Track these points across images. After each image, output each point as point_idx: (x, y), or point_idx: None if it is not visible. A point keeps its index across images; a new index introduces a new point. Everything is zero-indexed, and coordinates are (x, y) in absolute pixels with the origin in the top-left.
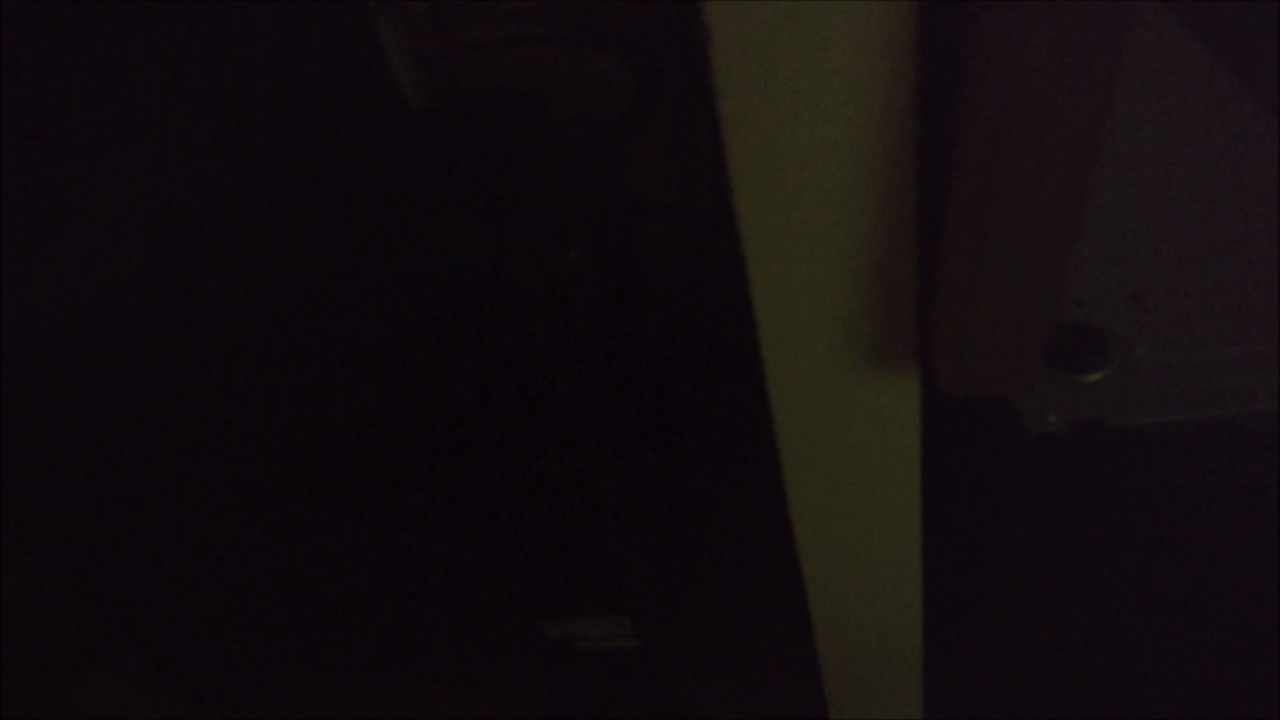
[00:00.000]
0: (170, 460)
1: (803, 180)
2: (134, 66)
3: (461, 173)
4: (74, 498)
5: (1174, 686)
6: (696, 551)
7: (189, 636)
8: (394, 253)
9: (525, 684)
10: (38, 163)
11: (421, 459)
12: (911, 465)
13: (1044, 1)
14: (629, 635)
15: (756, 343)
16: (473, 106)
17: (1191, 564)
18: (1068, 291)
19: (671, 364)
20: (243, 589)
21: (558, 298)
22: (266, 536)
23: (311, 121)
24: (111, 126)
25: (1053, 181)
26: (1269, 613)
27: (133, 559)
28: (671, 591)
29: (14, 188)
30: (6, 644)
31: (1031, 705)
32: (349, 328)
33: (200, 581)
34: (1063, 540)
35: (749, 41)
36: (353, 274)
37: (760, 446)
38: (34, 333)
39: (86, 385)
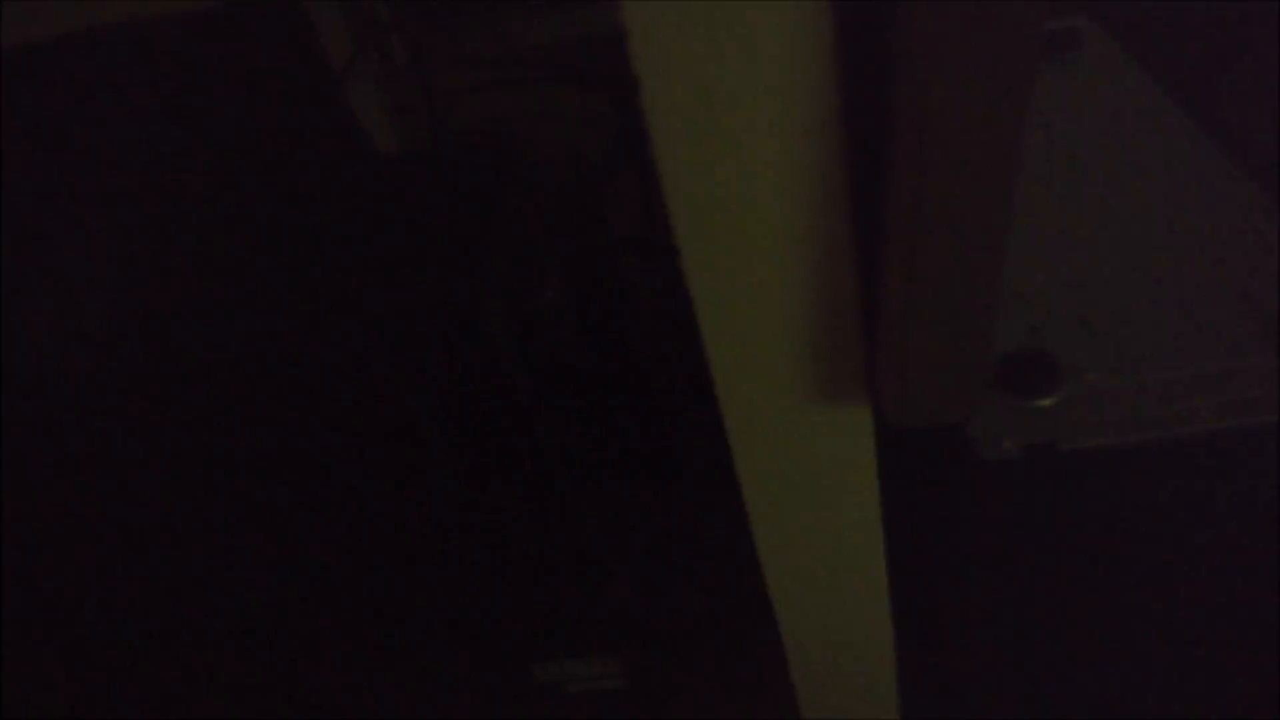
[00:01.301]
0: (148, 524)
1: (742, 224)
2: (101, 120)
3: (433, 218)
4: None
5: (1131, 700)
6: (683, 588)
7: (165, 677)
8: (365, 300)
9: None
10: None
11: (404, 504)
12: (870, 494)
13: (957, 51)
14: (618, 675)
15: (711, 380)
16: (447, 151)
17: (1145, 581)
18: (1022, 319)
19: (655, 399)
20: (228, 641)
21: (534, 338)
22: (251, 586)
23: (282, 175)
24: (78, 180)
25: (976, 220)
26: (1223, 626)
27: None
28: (659, 630)
29: None
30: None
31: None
32: (325, 374)
33: (181, 658)
34: (1021, 562)
35: (679, 89)
36: (325, 322)
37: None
38: None
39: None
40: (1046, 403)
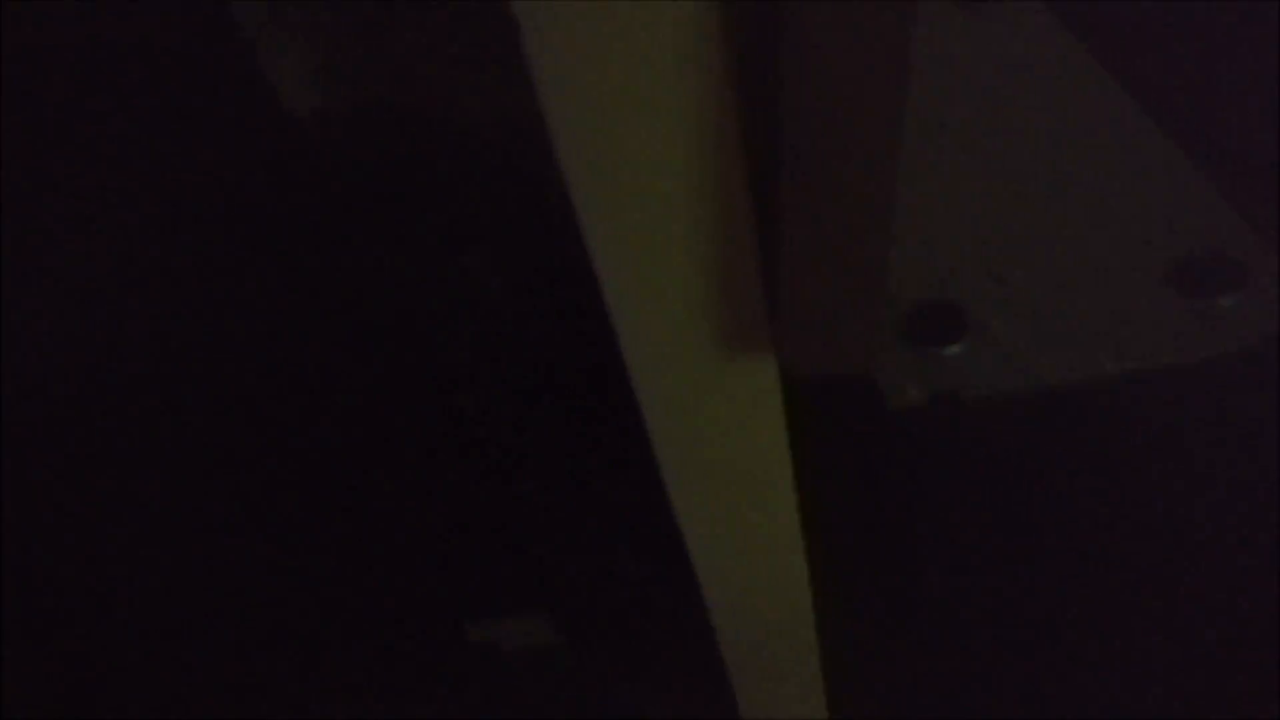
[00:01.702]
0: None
1: (638, 180)
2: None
3: (353, 179)
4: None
5: (1032, 641)
6: (616, 546)
7: (90, 663)
8: (285, 268)
9: (451, 688)
10: None
11: (331, 469)
12: (779, 444)
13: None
14: (551, 633)
15: (616, 339)
16: (368, 110)
17: (1051, 523)
18: (930, 269)
19: (587, 360)
20: (156, 607)
21: (461, 300)
22: (181, 553)
23: (189, 146)
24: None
25: (864, 170)
26: (1127, 565)
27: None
28: (593, 587)
29: None
30: None
31: (914, 664)
32: (246, 340)
33: (108, 601)
34: (928, 507)
35: (564, 38)
36: (243, 290)
37: None
38: None
39: None
40: (953, 351)
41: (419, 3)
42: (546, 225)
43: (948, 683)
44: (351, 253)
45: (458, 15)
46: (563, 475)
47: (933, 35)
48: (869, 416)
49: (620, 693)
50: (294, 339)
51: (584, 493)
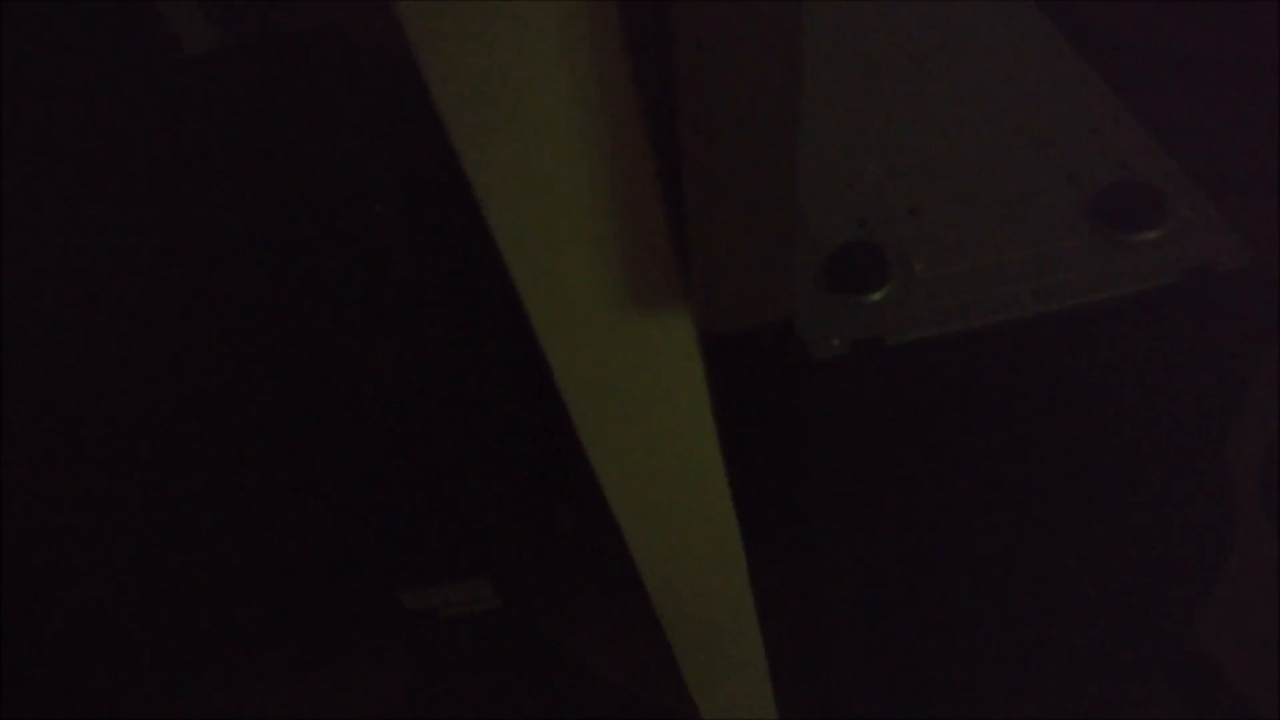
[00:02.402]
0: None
1: (530, 133)
2: None
3: (247, 123)
4: None
5: (970, 596)
6: (551, 503)
7: (31, 632)
8: (182, 221)
9: (391, 657)
10: None
11: (255, 436)
12: (700, 401)
13: None
14: (490, 596)
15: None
16: (264, 49)
17: (979, 470)
18: (849, 211)
19: (507, 314)
20: (85, 574)
21: (364, 255)
22: (111, 527)
23: (77, 83)
24: None
25: (764, 107)
26: (1059, 515)
27: None
28: (530, 547)
29: None
30: None
31: (853, 613)
32: (153, 301)
33: (40, 570)
34: (856, 458)
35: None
36: (137, 243)
37: None
38: None
39: None
40: (875, 297)
41: None
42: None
43: (882, 635)
44: (246, 203)
45: None
46: (487, 440)
47: None
48: (790, 368)
49: (561, 653)
50: (203, 297)
51: (518, 455)
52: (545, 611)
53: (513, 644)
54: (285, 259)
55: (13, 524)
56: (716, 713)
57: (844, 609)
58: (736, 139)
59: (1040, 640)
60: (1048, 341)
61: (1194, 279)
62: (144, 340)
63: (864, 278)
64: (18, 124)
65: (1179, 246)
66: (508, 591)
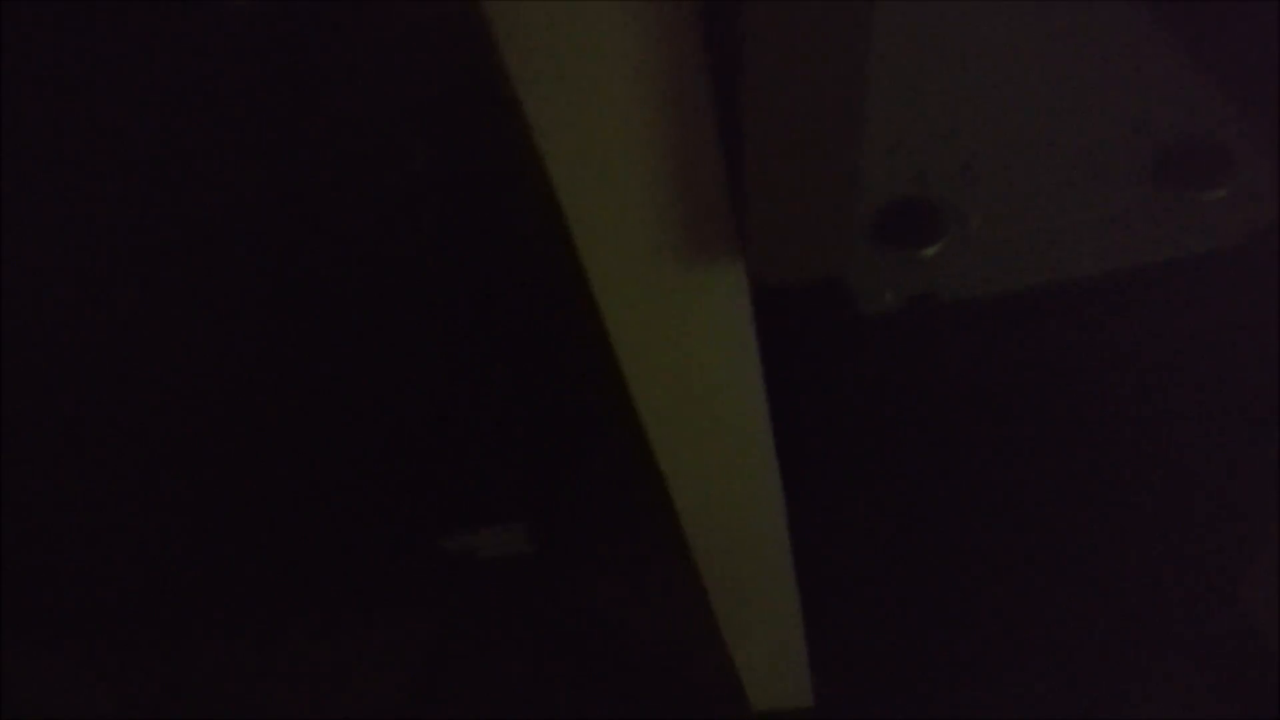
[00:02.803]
0: (35, 405)
1: (593, 82)
2: None
3: (278, 80)
4: None
5: (1015, 545)
6: (585, 452)
7: (73, 586)
8: (215, 181)
9: (429, 600)
10: None
11: (299, 385)
12: (749, 354)
13: None
14: (524, 542)
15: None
16: (298, 8)
17: (1032, 430)
18: (904, 165)
19: (551, 261)
20: (127, 527)
21: (403, 208)
22: (150, 470)
23: (110, 41)
24: None
25: (830, 59)
26: (1111, 472)
27: (17, 511)
28: (563, 494)
29: None
30: None
31: (892, 571)
32: (184, 260)
33: (82, 525)
34: (905, 415)
35: None
36: (176, 204)
37: None
38: None
39: None
40: (929, 252)
41: None
42: (496, 134)
43: (923, 593)
44: (293, 158)
45: None
46: (530, 387)
47: None
48: (842, 322)
49: (596, 598)
50: (249, 250)
51: (553, 404)
52: (579, 558)
53: (546, 588)
54: (329, 210)
55: (59, 462)
56: (748, 659)
57: (883, 563)
58: (799, 90)
59: (1085, 606)
60: (1106, 301)
61: (1262, 240)
62: (190, 289)
63: (919, 233)
64: (56, 81)
65: (1248, 206)
66: (541, 537)
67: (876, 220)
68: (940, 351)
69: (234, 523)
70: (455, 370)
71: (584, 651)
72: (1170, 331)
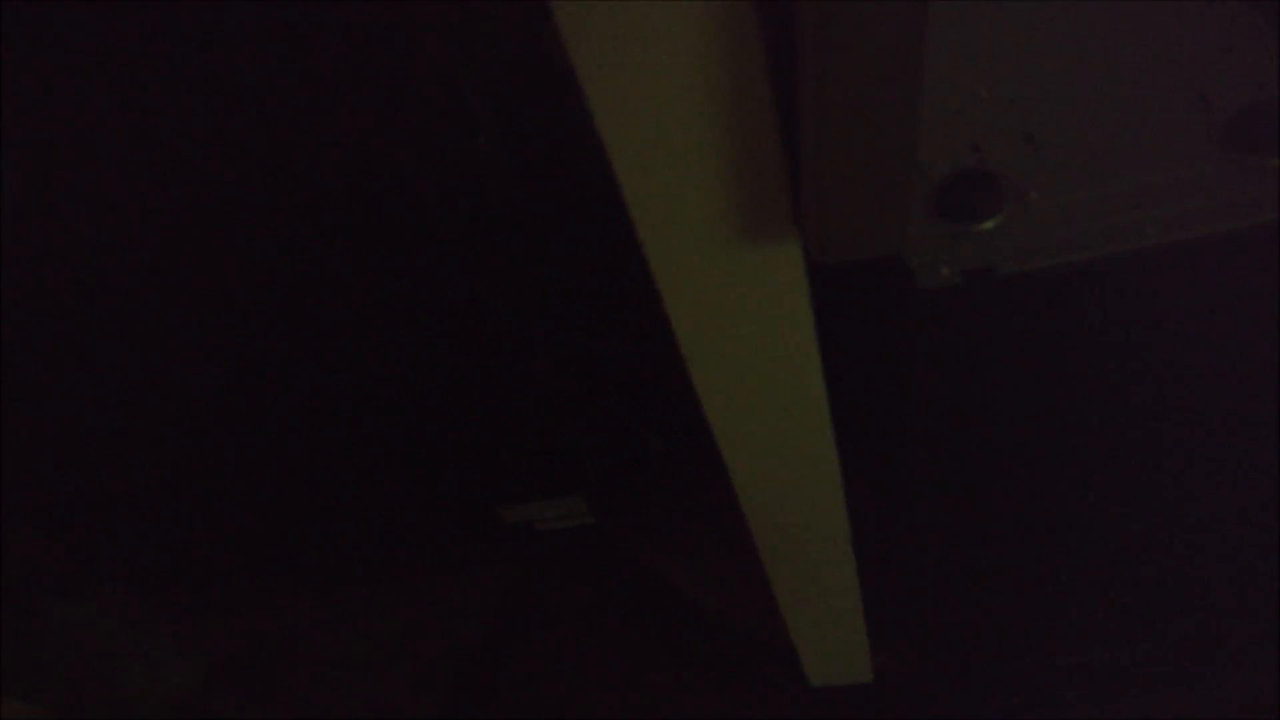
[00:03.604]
0: (115, 380)
1: (653, 61)
2: None
3: (346, 57)
4: (27, 429)
5: (1076, 526)
6: (642, 427)
7: (161, 550)
8: (276, 154)
9: (490, 567)
10: None
11: (368, 363)
12: (805, 331)
13: None
14: (584, 514)
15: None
16: None
17: (1093, 404)
18: (961, 137)
19: (605, 243)
20: (208, 497)
21: (465, 186)
22: (227, 443)
23: (178, 20)
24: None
25: (886, 40)
26: (1176, 449)
27: (97, 482)
28: (621, 468)
29: None
30: None
31: (951, 548)
32: (253, 235)
33: (167, 494)
34: (964, 392)
35: None
36: (240, 182)
37: None
38: None
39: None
40: (988, 225)
41: None
42: (564, 104)
43: (983, 569)
44: (355, 141)
45: None
46: (593, 362)
47: None
48: (899, 297)
49: (651, 570)
50: (319, 229)
51: (616, 380)
52: (637, 531)
53: (605, 560)
54: (390, 188)
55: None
56: (806, 635)
57: (942, 539)
58: (857, 71)
59: (1155, 584)
60: (1171, 274)
61: None
62: (256, 262)
63: (976, 206)
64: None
65: None
66: (601, 509)
67: (933, 194)
68: (999, 326)
69: (319, 493)
70: (519, 347)
71: (641, 622)
72: (1238, 303)
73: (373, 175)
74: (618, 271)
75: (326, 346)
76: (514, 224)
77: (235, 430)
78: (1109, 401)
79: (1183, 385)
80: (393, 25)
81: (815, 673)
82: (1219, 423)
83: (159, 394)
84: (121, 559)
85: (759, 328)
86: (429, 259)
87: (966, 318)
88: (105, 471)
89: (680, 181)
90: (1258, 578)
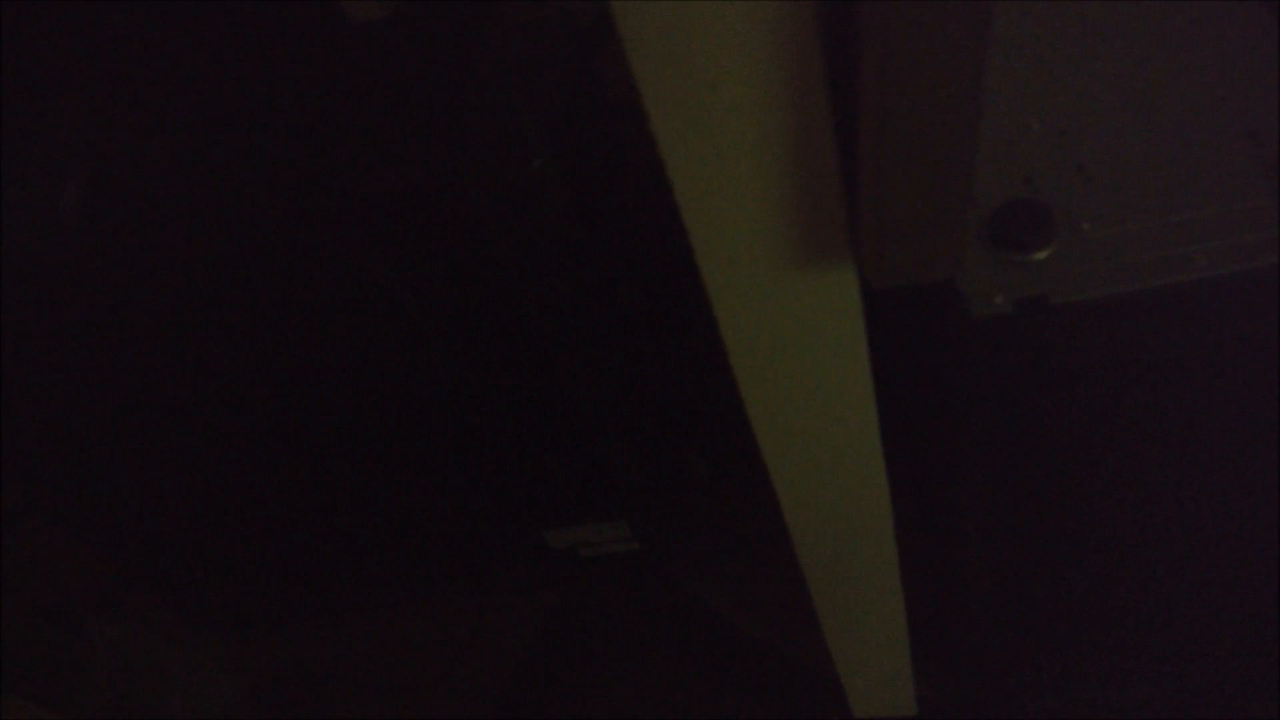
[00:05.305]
0: (164, 398)
1: (713, 86)
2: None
3: (406, 88)
4: (74, 445)
5: (1129, 554)
6: (686, 452)
7: (205, 568)
8: (342, 182)
9: (534, 592)
10: None
11: (412, 385)
12: (859, 357)
13: None
14: (628, 539)
15: (690, 251)
16: (418, 16)
17: (1145, 434)
18: (1014, 168)
19: (652, 268)
20: (253, 516)
21: (521, 211)
22: (272, 462)
23: (247, 51)
24: (43, 70)
25: (946, 69)
26: (1225, 478)
27: (142, 498)
28: (666, 493)
29: None
30: (14, 595)
31: (999, 580)
32: (308, 265)
33: (212, 512)
34: (1016, 421)
35: None
36: (301, 207)
37: None
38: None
39: (66, 331)
40: (1041, 255)
41: None
42: (613, 132)
43: (1033, 602)
44: (406, 164)
45: None
46: (639, 387)
47: None
48: (952, 326)
49: (695, 597)
50: (358, 254)
51: (662, 405)
52: (681, 557)
53: (649, 586)
54: (445, 213)
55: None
56: (851, 665)
57: (991, 571)
58: (917, 97)
59: (1215, 618)
60: (1222, 306)
61: None
62: (311, 285)
63: (1029, 236)
64: (206, 98)
65: None
66: (645, 536)
67: (987, 224)
68: (1051, 355)
69: (363, 515)
70: (569, 371)
71: (685, 648)
72: None
73: (429, 201)
74: (666, 296)
75: (378, 369)
76: (566, 249)
77: (282, 450)
78: (1162, 427)
79: (1238, 412)
80: (450, 54)
81: (860, 704)
82: (1276, 452)
83: (208, 413)
84: (165, 577)
85: (812, 351)
86: (483, 283)
87: (1019, 346)
88: (151, 489)
89: (738, 205)
90: None
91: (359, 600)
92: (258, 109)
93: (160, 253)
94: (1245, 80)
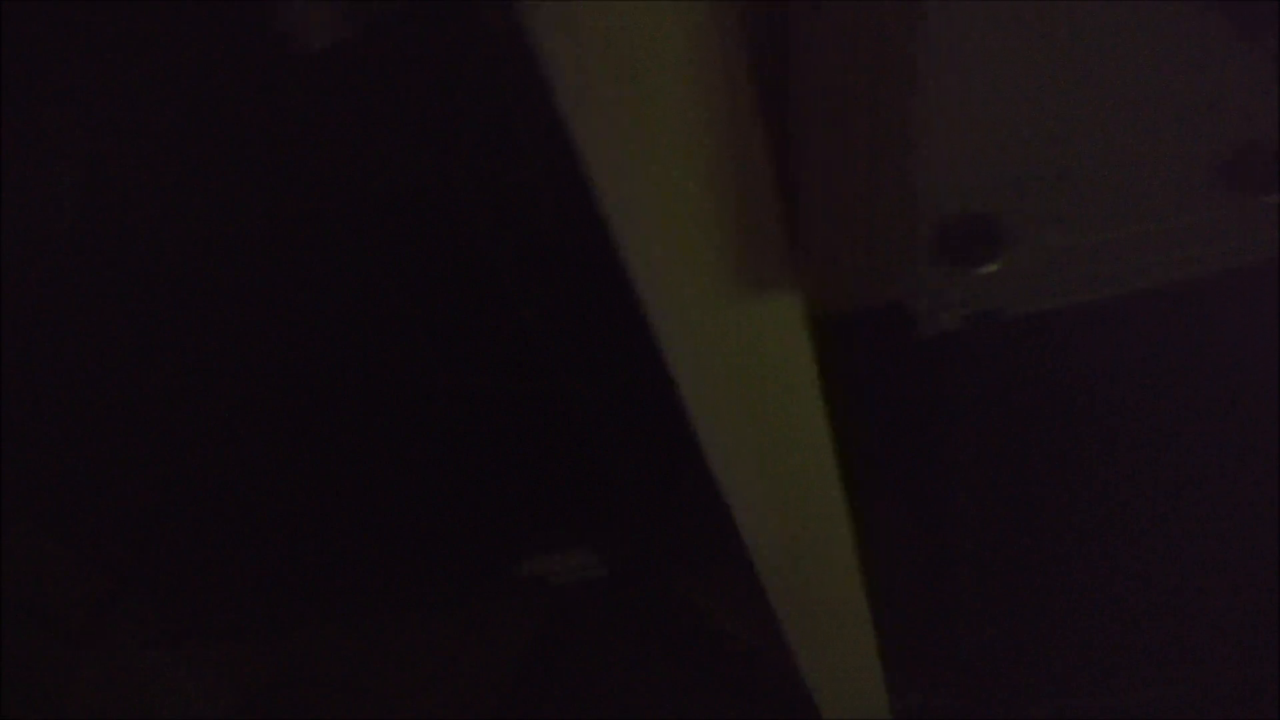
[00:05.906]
0: (156, 404)
1: (645, 114)
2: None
3: (394, 94)
4: (66, 450)
5: (1086, 569)
6: (660, 478)
7: (198, 574)
8: (335, 190)
9: (504, 619)
10: None
11: (384, 401)
12: (809, 382)
13: None
14: (597, 566)
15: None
16: (396, 30)
17: (1101, 446)
18: (959, 179)
19: (608, 288)
20: (245, 522)
21: (514, 215)
22: (265, 468)
23: (245, 52)
24: (33, 90)
25: (882, 74)
26: (1182, 490)
27: (135, 504)
28: (633, 521)
29: None
30: (8, 607)
31: (966, 598)
32: (297, 276)
33: (204, 518)
34: (971, 437)
35: None
36: (296, 217)
37: None
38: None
39: (61, 337)
40: (991, 269)
41: None
42: (547, 168)
43: (994, 612)
44: (395, 165)
45: None
46: (600, 417)
47: None
48: (900, 345)
49: (667, 621)
50: (345, 261)
51: (622, 434)
52: (648, 583)
53: (620, 611)
54: (433, 224)
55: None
56: (825, 683)
57: (951, 583)
58: (850, 122)
59: (1166, 624)
60: (1175, 313)
61: None
62: (300, 292)
63: (977, 249)
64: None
65: None
66: (613, 562)
67: (935, 238)
68: (1003, 371)
69: (351, 523)
70: (517, 400)
71: (658, 661)
72: (1240, 340)
73: (421, 210)
74: (618, 323)
75: (378, 373)
76: (503, 277)
77: (269, 459)
78: (1114, 439)
79: (1189, 420)
80: (444, 59)
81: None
82: (1228, 457)
83: (200, 419)
84: (158, 583)
85: (762, 380)
86: (474, 291)
87: (970, 362)
88: (145, 495)
89: (675, 233)
90: None
91: (352, 606)
92: (255, 110)
93: (156, 256)
94: (1189, 81)
